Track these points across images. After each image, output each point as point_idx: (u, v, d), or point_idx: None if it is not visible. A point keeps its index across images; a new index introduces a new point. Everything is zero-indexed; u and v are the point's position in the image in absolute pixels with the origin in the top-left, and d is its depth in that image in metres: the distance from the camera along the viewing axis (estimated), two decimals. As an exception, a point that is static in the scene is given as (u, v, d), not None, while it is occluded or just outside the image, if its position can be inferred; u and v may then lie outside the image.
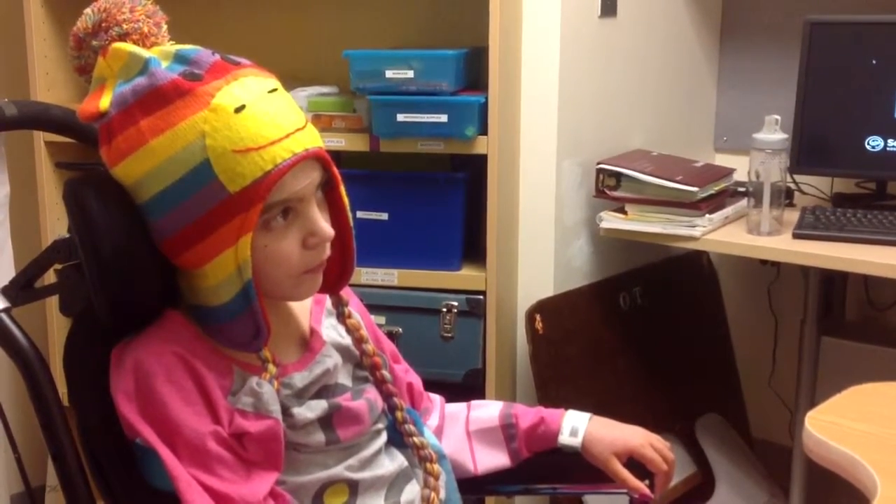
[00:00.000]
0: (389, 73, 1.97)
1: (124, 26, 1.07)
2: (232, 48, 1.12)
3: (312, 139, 1.06)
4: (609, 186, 2.17)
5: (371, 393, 1.19)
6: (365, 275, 2.05)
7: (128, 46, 1.06)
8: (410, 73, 1.96)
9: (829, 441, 1.09)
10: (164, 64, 1.05)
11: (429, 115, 1.96)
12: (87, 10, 1.09)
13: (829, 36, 2.20)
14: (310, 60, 2.25)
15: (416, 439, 1.21)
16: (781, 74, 2.40)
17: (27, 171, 2.21)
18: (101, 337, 1.10)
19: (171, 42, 1.10)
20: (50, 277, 1.22)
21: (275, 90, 1.06)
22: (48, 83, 2.24)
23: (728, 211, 2.19)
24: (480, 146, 1.97)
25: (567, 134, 2.18)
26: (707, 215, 2.10)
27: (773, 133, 2.06)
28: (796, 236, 2.04)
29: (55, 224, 2.25)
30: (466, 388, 2.03)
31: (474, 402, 1.39)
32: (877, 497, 0.97)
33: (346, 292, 1.23)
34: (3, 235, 1.27)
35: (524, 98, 2.16)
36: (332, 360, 1.17)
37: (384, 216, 2.08)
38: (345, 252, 1.16)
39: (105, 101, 1.06)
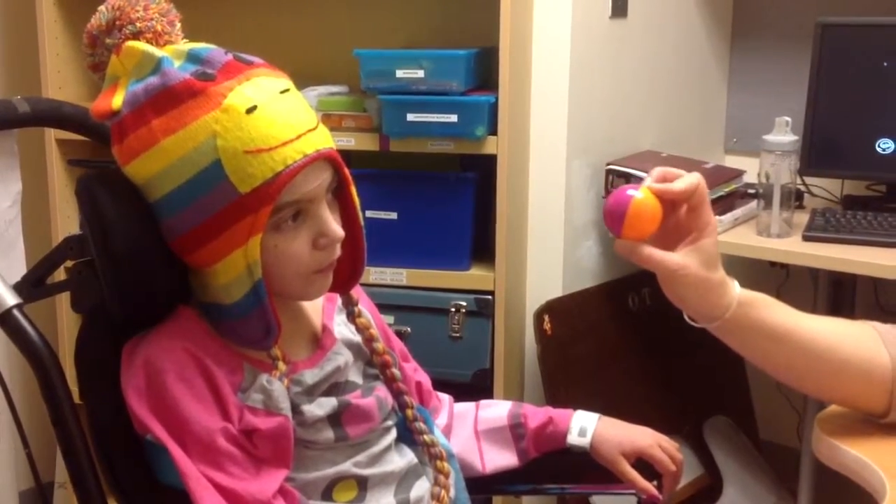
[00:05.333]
0: (400, 73, 1.97)
1: (138, 24, 1.07)
2: (243, 47, 1.13)
3: (324, 140, 1.07)
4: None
5: (381, 390, 1.20)
6: (374, 274, 2.06)
7: (141, 45, 1.06)
8: (421, 73, 1.96)
9: (838, 443, 1.09)
10: (177, 63, 1.05)
11: (439, 115, 1.96)
12: (101, 8, 1.09)
13: (840, 38, 2.19)
14: (320, 59, 2.26)
15: (426, 437, 1.22)
16: (792, 76, 2.39)
17: (38, 169, 2.22)
18: (113, 333, 1.10)
19: (185, 40, 1.11)
20: (60, 275, 1.23)
21: (287, 90, 1.07)
22: (60, 81, 2.25)
23: (738, 213, 2.19)
24: (490, 146, 1.97)
25: (577, 135, 2.18)
26: (717, 217, 2.10)
27: (784, 135, 2.06)
28: (806, 238, 2.04)
29: (66, 221, 2.26)
30: (474, 388, 2.03)
31: (483, 402, 1.39)
32: (886, 499, 0.97)
33: (357, 291, 1.23)
34: (15, 232, 1.27)
35: (534, 98, 2.16)
36: (343, 357, 1.17)
37: (393, 216, 2.08)
38: (355, 252, 1.17)
39: (117, 100, 1.06)
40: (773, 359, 1.08)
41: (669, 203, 1.04)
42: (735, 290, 1.06)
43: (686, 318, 1.09)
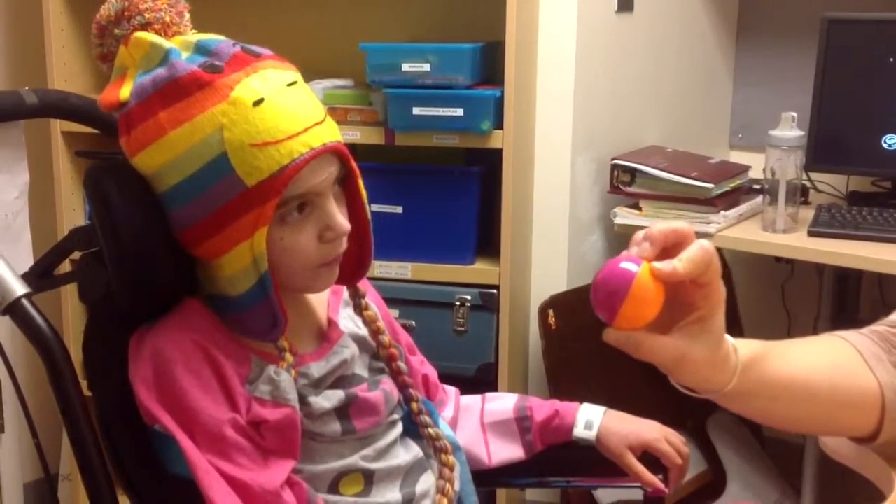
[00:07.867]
0: (405, 67, 1.97)
1: (146, 15, 1.07)
2: (250, 40, 1.12)
3: (331, 133, 1.07)
4: (624, 182, 2.17)
5: (387, 384, 1.20)
6: (379, 268, 2.06)
7: (149, 36, 1.06)
8: (426, 67, 1.96)
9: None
10: (185, 55, 1.05)
11: (444, 109, 1.96)
12: (111, -2, 1.09)
13: (846, 33, 2.19)
14: (326, 53, 2.26)
15: (431, 430, 1.22)
16: (798, 71, 2.39)
17: (44, 160, 2.22)
18: (120, 324, 1.10)
19: (193, 31, 1.11)
20: (65, 266, 1.23)
21: (294, 83, 1.06)
22: (66, 73, 2.25)
23: (743, 208, 2.19)
24: (496, 140, 1.97)
25: (582, 129, 2.18)
26: (722, 212, 2.10)
27: (789, 130, 2.06)
28: (811, 234, 2.04)
29: (71, 213, 2.27)
30: (479, 382, 2.03)
31: (489, 395, 1.40)
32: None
33: (363, 284, 1.23)
34: (22, 223, 1.27)
35: (540, 93, 2.16)
36: (349, 350, 1.17)
37: (398, 209, 2.08)
38: (362, 245, 1.17)
39: (125, 91, 1.06)
40: (772, 414, 1.01)
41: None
42: (735, 356, 0.91)
43: (674, 383, 0.94)
